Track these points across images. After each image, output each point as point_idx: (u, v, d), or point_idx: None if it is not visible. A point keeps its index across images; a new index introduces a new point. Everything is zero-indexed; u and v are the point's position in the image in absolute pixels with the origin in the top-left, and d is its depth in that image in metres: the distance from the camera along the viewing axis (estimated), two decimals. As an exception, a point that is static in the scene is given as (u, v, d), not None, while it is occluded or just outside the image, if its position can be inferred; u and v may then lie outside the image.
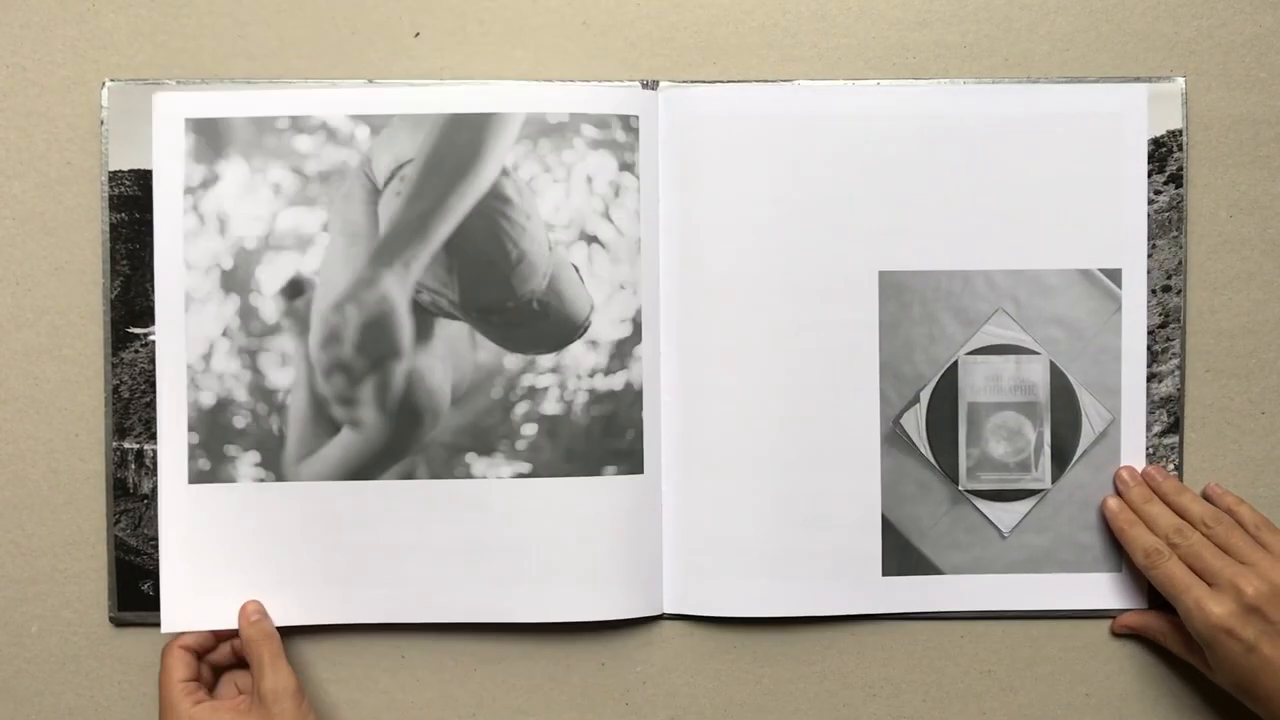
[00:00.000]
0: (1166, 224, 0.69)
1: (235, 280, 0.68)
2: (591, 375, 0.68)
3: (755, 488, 0.68)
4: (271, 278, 0.68)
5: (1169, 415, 0.69)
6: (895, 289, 0.69)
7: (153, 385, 0.68)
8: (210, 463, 0.68)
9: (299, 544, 0.68)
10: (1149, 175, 0.69)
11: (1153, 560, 0.65)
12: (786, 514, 0.68)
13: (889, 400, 0.69)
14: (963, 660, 0.70)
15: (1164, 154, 0.69)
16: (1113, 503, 0.68)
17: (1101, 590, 0.69)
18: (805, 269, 0.68)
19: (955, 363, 0.69)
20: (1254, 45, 0.69)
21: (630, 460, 0.68)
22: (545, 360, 0.68)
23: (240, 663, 0.68)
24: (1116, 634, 0.69)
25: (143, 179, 0.67)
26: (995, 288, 0.69)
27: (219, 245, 0.68)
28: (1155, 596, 0.68)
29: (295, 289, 0.68)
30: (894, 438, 0.69)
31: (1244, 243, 0.70)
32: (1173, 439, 0.69)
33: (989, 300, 0.69)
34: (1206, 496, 0.68)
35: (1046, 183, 0.68)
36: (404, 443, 0.68)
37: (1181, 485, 0.68)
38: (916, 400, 0.69)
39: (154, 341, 0.68)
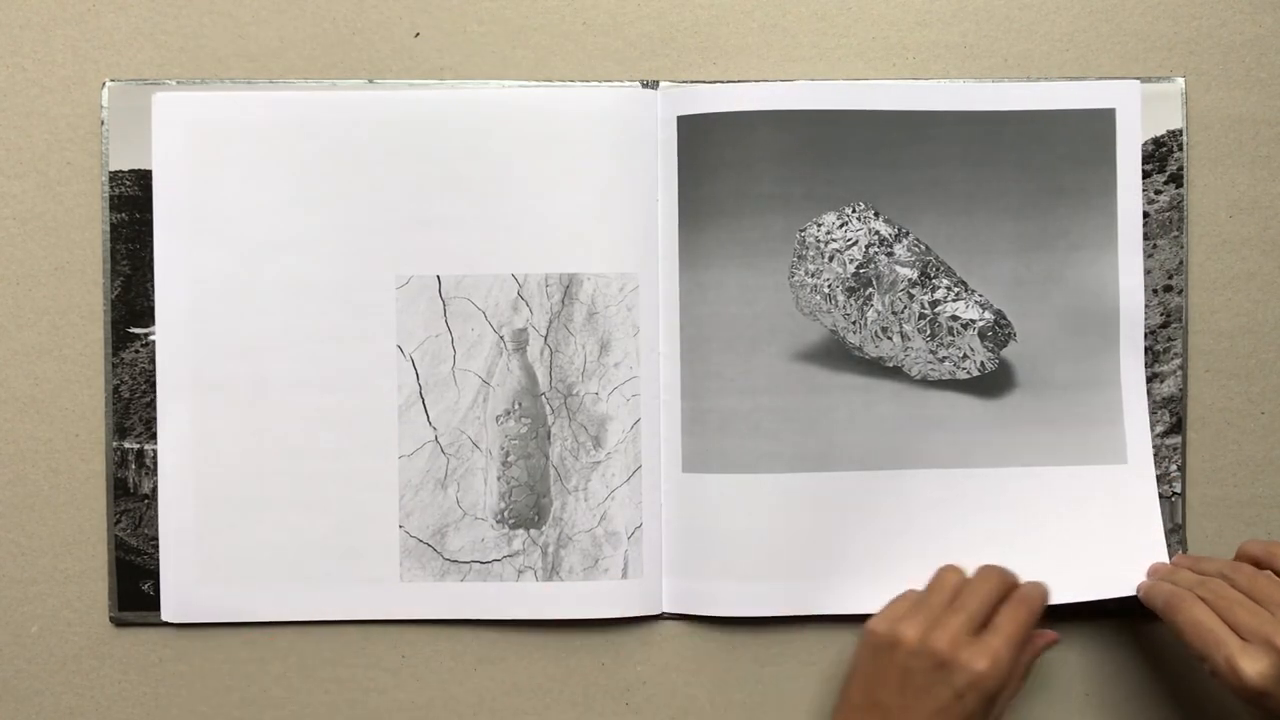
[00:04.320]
0: (1167, 224, 0.69)
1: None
2: (591, 375, 0.68)
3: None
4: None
5: (1171, 415, 0.69)
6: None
7: (153, 385, 0.68)
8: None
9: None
10: (1150, 175, 0.69)
11: (1173, 605, 0.61)
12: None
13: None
14: (963, 660, 0.70)
15: (1164, 154, 0.69)
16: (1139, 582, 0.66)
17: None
18: (805, 269, 0.69)
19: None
20: (1254, 45, 0.69)
21: (630, 460, 0.68)
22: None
23: None
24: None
25: (143, 179, 0.67)
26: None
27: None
28: None
29: None
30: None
31: (1244, 243, 0.70)
32: (1175, 439, 0.69)
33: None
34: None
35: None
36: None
37: (1196, 556, 0.66)
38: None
39: (154, 341, 0.68)
